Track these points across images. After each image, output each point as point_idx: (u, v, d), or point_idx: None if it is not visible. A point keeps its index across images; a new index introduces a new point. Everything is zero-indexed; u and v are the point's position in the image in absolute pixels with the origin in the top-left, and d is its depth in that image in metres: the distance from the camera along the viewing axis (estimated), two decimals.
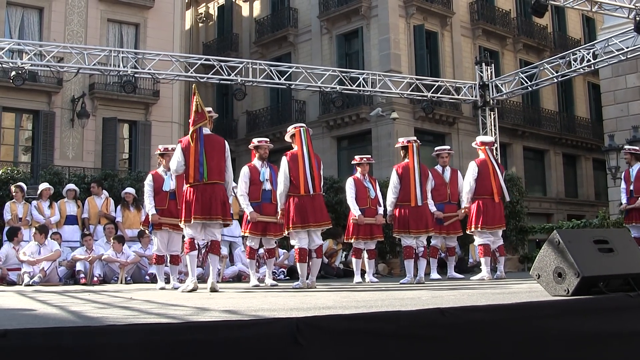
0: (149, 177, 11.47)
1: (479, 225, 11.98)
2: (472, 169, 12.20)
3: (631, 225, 13.71)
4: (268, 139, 11.56)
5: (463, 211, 12.57)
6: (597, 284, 5.46)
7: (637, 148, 14.54)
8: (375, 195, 12.26)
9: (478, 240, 12.17)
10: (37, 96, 27.91)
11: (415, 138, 11.78)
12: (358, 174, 12.37)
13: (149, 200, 11.16)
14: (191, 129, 9.09)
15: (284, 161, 9.88)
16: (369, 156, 13.06)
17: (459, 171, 13.76)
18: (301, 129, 10.07)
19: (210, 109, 9.61)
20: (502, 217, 12.42)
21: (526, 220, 21.13)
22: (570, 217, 29.91)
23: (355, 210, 12.00)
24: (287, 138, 10.23)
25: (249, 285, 11.11)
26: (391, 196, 11.41)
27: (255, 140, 11.27)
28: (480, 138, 12.98)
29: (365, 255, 12.43)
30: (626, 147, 15.46)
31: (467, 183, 12.27)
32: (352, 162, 12.77)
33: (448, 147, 13.91)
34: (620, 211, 15.40)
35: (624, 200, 14.10)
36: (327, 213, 10.16)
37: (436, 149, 13.80)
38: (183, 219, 9.03)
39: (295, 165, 9.78)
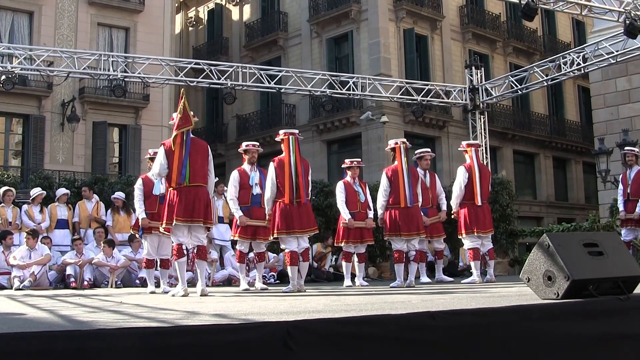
0: (139, 181, 11.49)
1: (471, 231, 12.05)
2: (462, 173, 12.25)
3: (628, 229, 13.63)
4: (257, 143, 11.56)
5: (453, 215, 12.59)
6: (587, 287, 5.47)
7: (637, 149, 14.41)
8: (365, 199, 12.26)
9: (467, 244, 12.21)
10: (27, 100, 27.83)
11: (404, 140, 11.78)
12: (348, 178, 12.37)
13: (139, 204, 11.19)
14: (174, 132, 9.09)
15: (271, 167, 9.95)
16: (359, 160, 13.05)
17: (436, 175, 13.76)
18: (290, 136, 10.10)
19: (191, 113, 9.57)
20: (490, 221, 12.49)
21: (516, 224, 21.16)
22: (560, 220, 29.91)
23: (345, 214, 12.01)
24: (278, 139, 10.29)
25: (239, 289, 11.11)
26: (381, 199, 11.42)
27: (244, 144, 11.27)
28: (465, 142, 13.09)
29: (356, 259, 12.44)
30: (627, 148, 15.31)
31: (457, 187, 12.31)
32: (342, 166, 12.76)
33: (429, 149, 13.82)
34: (618, 219, 15.16)
35: (621, 205, 13.93)
36: (314, 219, 10.20)
37: (417, 151, 13.64)
38: (165, 221, 9.02)
39: (281, 172, 9.83)
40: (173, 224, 8.90)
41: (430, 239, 13.00)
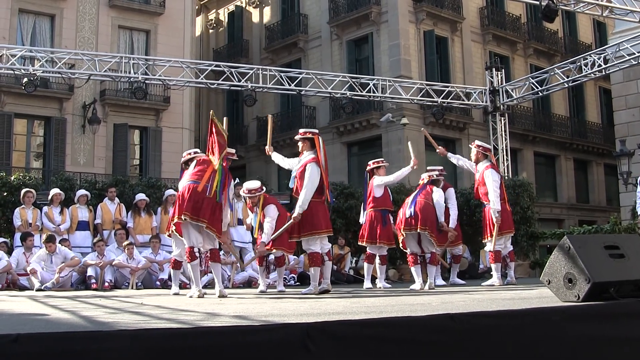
0: None
1: (501, 232, 11.89)
2: (494, 174, 11.92)
3: None
4: (257, 187, 11.46)
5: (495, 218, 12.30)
6: (608, 290, 5.44)
7: None
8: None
9: (489, 247, 12.11)
10: (48, 102, 28.04)
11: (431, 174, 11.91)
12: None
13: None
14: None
15: (315, 168, 9.71)
16: (383, 160, 12.94)
17: (451, 189, 13.52)
18: (319, 136, 10.08)
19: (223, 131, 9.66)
20: (512, 222, 12.42)
21: (537, 226, 21.07)
22: (581, 222, 29.74)
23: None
24: (305, 137, 10.14)
25: (257, 290, 11.12)
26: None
27: (245, 189, 11.30)
28: (480, 142, 12.78)
29: (377, 260, 12.40)
30: None
31: (494, 189, 11.93)
32: (369, 167, 12.60)
33: (440, 167, 13.46)
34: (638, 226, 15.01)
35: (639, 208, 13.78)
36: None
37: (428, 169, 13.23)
38: (176, 216, 9.02)
39: (320, 172, 9.76)
40: (183, 220, 8.91)
41: (449, 248, 12.90)
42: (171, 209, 10.84)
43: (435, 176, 12.09)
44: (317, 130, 10.43)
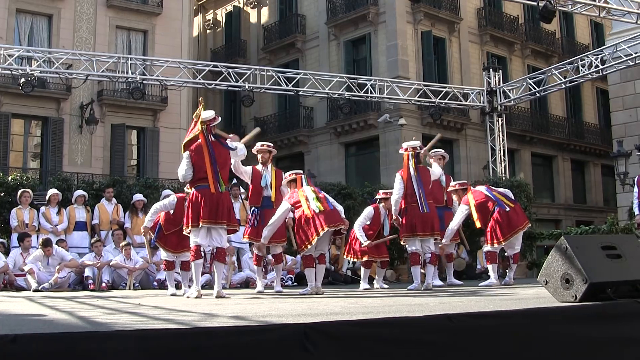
0: (172, 200, 11.24)
1: (501, 240, 11.83)
2: (463, 207, 12.27)
3: None
4: (269, 144, 11.48)
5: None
6: (605, 290, 5.45)
7: None
8: (388, 232, 12.21)
9: (486, 247, 12.09)
10: (46, 103, 27.98)
11: (413, 144, 11.61)
12: (381, 208, 12.22)
13: (152, 215, 11.12)
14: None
15: (285, 204, 10.11)
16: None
17: (452, 178, 13.64)
18: (302, 176, 10.44)
19: (212, 112, 9.67)
20: (510, 226, 12.17)
21: (534, 227, 21.05)
22: (578, 223, 29.72)
23: (361, 237, 11.93)
24: (285, 183, 10.57)
25: (255, 291, 11.11)
26: (395, 196, 11.34)
27: (258, 144, 11.29)
28: (452, 183, 13.06)
29: (378, 264, 12.42)
30: None
31: (456, 218, 12.30)
32: (377, 197, 12.53)
33: (442, 150, 13.57)
34: (637, 224, 15.02)
35: (636, 208, 13.77)
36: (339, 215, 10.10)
37: (431, 152, 13.46)
38: (190, 224, 9.01)
39: (302, 203, 9.88)
40: (199, 227, 8.90)
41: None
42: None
43: (419, 148, 11.71)
44: (300, 171, 10.80)
